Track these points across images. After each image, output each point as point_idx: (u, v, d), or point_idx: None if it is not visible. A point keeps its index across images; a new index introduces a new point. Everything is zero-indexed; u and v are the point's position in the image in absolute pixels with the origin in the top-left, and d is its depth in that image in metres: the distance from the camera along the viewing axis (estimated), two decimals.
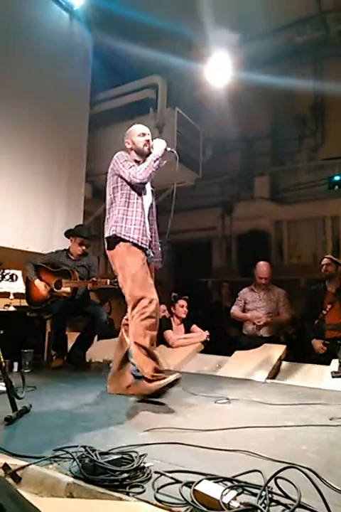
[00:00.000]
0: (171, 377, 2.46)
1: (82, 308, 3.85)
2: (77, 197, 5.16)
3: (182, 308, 4.45)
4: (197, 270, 6.64)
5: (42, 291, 3.79)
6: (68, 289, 3.75)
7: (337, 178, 5.83)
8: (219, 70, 5.42)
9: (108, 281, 3.58)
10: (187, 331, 4.45)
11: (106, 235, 2.76)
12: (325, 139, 6.16)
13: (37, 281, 3.81)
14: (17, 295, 3.93)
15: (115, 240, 2.70)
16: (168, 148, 2.94)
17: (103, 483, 1.30)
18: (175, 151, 3.00)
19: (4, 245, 4.08)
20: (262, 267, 4.52)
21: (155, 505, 1.21)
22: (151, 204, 2.97)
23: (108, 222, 2.79)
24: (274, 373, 3.54)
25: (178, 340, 4.30)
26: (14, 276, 2.74)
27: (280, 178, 6.50)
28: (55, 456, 1.51)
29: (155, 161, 2.80)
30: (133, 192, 2.79)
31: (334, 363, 3.42)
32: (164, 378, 2.48)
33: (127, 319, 2.78)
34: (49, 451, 1.54)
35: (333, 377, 3.18)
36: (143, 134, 2.94)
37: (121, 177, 2.78)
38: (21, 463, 1.44)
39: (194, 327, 4.46)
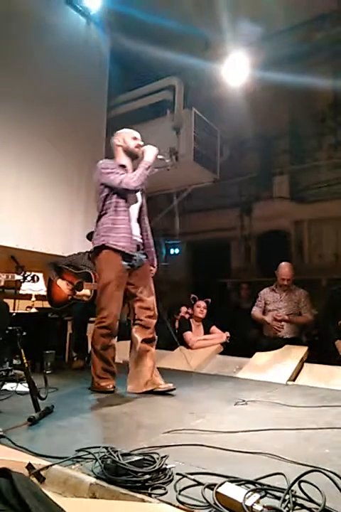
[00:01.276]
0: (109, 387, 2.76)
1: None
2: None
3: (198, 308, 4.45)
4: (216, 271, 6.62)
5: (64, 290, 3.84)
6: (88, 292, 3.79)
7: None
8: (236, 69, 5.40)
9: None
10: (207, 331, 4.44)
11: (95, 244, 2.85)
12: None
13: (59, 281, 3.87)
14: (39, 297, 4.00)
15: (101, 248, 2.81)
16: (160, 156, 2.97)
17: (125, 484, 1.30)
18: (166, 159, 3.07)
19: (26, 248, 4.16)
20: (284, 268, 4.46)
21: (178, 507, 1.21)
22: (141, 204, 3.01)
23: (98, 231, 2.87)
24: (296, 375, 3.49)
25: (198, 341, 4.29)
26: (36, 278, 2.80)
27: (299, 176, 6.41)
28: (78, 456, 1.52)
29: (147, 169, 2.84)
30: (120, 200, 2.84)
31: None
32: (106, 380, 2.78)
33: (137, 318, 2.88)
34: (71, 452, 1.56)
35: None
36: (135, 138, 3.00)
37: (108, 186, 2.83)
38: (45, 463, 1.46)
39: (213, 328, 4.44)
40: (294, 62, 5.64)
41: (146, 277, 2.96)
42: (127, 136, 2.99)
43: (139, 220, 2.99)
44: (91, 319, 3.90)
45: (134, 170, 2.92)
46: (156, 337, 2.93)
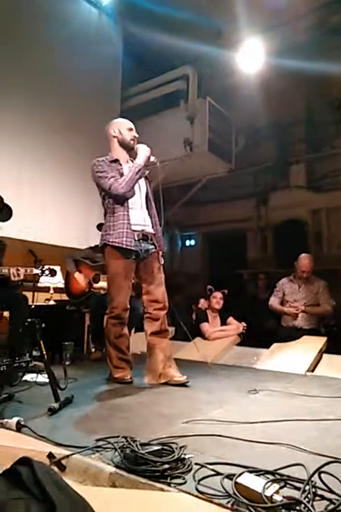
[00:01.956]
0: (126, 378, 2.79)
1: None
2: None
3: (215, 299, 4.44)
4: (232, 262, 6.58)
5: (81, 283, 3.88)
6: (105, 285, 3.82)
7: None
8: (250, 56, 5.32)
9: None
10: (224, 322, 4.43)
11: (100, 245, 2.91)
12: None
13: (76, 274, 3.91)
14: (57, 289, 4.04)
15: (104, 246, 2.87)
16: (152, 158, 2.92)
17: (145, 473, 1.31)
18: (157, 163, 2.96)
19: (43, 241, 4.22)
20: (304, 260, 4.39)
21: (197, 496, 1.21)
22: (146, 192, 2.97)
23: (102, 230, 2.93)
24: (314, 366, 3.46)
25: (214, 332, 4.28)
26: (53, 272, 2.83)
27: (317, 165, 6.31)
28: (97, 446, 1.54)
29: (137, 172, 2.79)
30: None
31: None
32: (124, 369, 2.83)
33: (147, 311, 2.91)
34: (91, 441, 1.58)
35: None
36: (131, 129, 2.95)
37: (102, 188, 2.83)
38: (65, 452, 1.48)
39: (230, 319, 4.42)
40: (309, 47, 5.50)
41: (154, 268, 2.92)
42: (122, 127, 2.94)
43: (147, 207, 2.95)
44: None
45: (132, 160, 2.91)
46: (168, 328, 2.92)
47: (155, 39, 5.25)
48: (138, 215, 2.88)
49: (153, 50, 5.72)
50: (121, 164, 2.88)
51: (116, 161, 2.88)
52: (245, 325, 4.33)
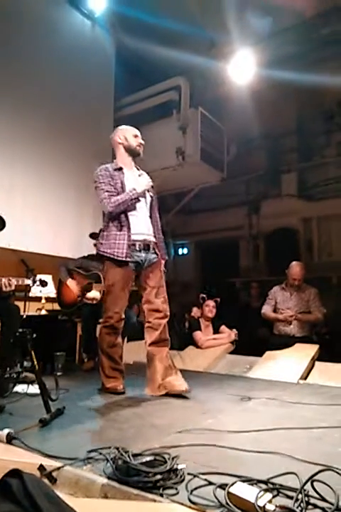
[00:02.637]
0: (118, 388, 2.76)
1: None
2: None
3: (207, 307, 4.44)
4: (224, 270, 6.60)
5: (74, 290, 3.85)
6: (98, 295, 3.80)
7: None
8: (242, 67, 5.38)
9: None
10: (216, 331, 4.43)
11: (98, 252, 2.92)
12: None
13: (69, 281, 3.89)
14: (48, 299, 4.02)
15: (101, 255, 2.88)
16: (150, 193, 2.94)
17: (137, 484, 1.30)
18: (151, 194, 2.96)
19: (35, 251, 4.19)
20: (296, 268, 4.42)
21: (189, 507, 1.21)
22: (151, 202, 2.96)
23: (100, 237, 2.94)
24: (307, 374, 3.47)
25: (207, 341, 4.28)
26: (44, 283, 2.82)
27: (308, 174, 6.38)
28: (89, 457, 1.53)
29: (132, 199, 2.79)
30: None
31: None
32: (116, 380, 2.79)
33: (148, 320, 2.87)
34: (83, 453, 1.56)
35: None
36: (136, 136, 2.96)
37: None
38: (56, 464, 1.46)
39: (223, 328, 4.43)
40: (301, 59, 5.60)
41: (155, 277, 2.89)
42: (128, 134, 2.95)
43: (151, 217, 2.94)
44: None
45: (137, 168, 2.95)
46: (168, 337, 2.88)
47: (148, 50, 5.30)
48: (142, 224, 2.87)
49: (146, 61, 5.77)
50: (123, 173, 2.88)
51: (120, 169, 2.89)
52: (236, 332, 4.33)
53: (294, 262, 4.48)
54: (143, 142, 2.96)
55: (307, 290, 4.39)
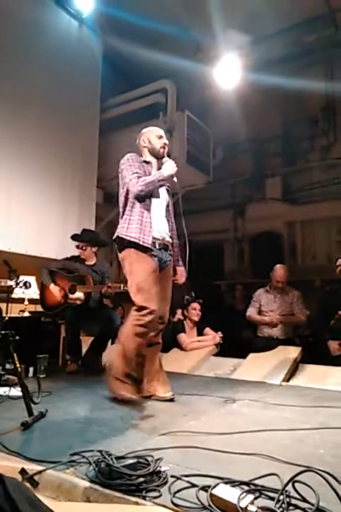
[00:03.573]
0: (132, 398, 2.51)
1: (95, 313, 3.87)
2: (89, 202, 5.22)
3: (194, 310, 4.44)
4: (209, 273, 6.62)
5: (56, 295, 3.82)
6: (81, 296, 3.78)
7: None
8: (228, 71, 5.42)
9: (122, 285, 3.60)
10: (200, 333, 4.44)
11: (114, 236, 2.76)
12: (338, 138, 6.09)
13: (52, 286, 3.84)
14: (31, 301, 3.97)
15: (123, 243, 2.68)
16: (175, 179, 2.83)
17: (119, 487, 1.30)
18: (177, 182, 2.85)
19: (19, 251, 4.14)
20: (279, 271, 4.48)
21: (172, 509, 1.21)
22: (167, 203, 2.92)
23: (120, 226, 2.75)
24: (290, 376, 3.51)
25: (192, 343, 4.29)
26: (28, 284, 2.79)
27: (292, 178, 6.45)
28: (72, 460, 1.52)
29: (159, 181, 2.72)
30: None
31: None
32: (127, 384, 2.53)
33: None
34: (65, 456, 1.55)
35: None
36: (161, 137, 2.91)
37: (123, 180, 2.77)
38: (38, 468, 1.45)
39: (207, 330, 4.44)
40: (286, 64, 5.68)
41: (166, 281, 2.79)
42: (152, 136, 2.90)
43: (167, 219, 2.88)
44: (85, 323, 3.90)
45: (159, 168, 2.83)
46: (160, 341, 2.83)
47: (135, 52, 5.31)
48: (160, 223, 2.79)
49: (132, 63, 5.77)
50: (151, 166, 2.84)
51: (148, 162, 2.85)
52: (221, 335, 4.36)
53: (278, 265, 4.53)
54: (167, 142, 2.91)
55: (290, 293, 4.46)
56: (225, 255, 6.95)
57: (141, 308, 2.55)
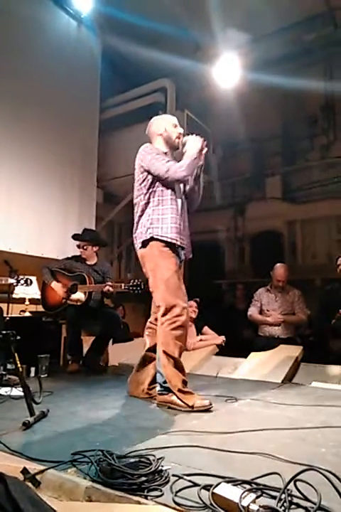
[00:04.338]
0: (205, 403, 2.34)
1: (96, 313, 3.87)
2: (89, 202, 5.22)
3: (190, 308, 4.44)
4: (210, 272, 6.62)
5: (59, 292, 3.80)
6: (82, 297, 3.77)
7: None
8: (227, 70, 5.42)
9: (123, 285, 3.61)
10: (199, 332, 4.44)
11: (142, 238, 2.55)
12: (337, 137, 6.09)
13: (54, 283, 3.83)
14: (32, 301, 3.97)
15: (149, 242, 2.54)
16: (204, 150, 2.65)
17: (121, 486, 1.29)
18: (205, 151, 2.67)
19: (19, 252, 4.14)
20: (280, 269, 4.48)
21: (174, 508, 1.21)
22: (182, 203, 2.74)
23: (142, 224, 2.58)
24: (291, 375, 3.50)
25: (195, 343, 4.28)
26: (29, 281, 2.79)
27: (292, 177, 6.45)
28: (74, 460, 1.51)
29: (194, 160, 2.54)
30: (166, 189, 2.58)
31: None
32: (192, 394, 2.40)
33: (151, 322, 2.70)
34: (67, 456, 1.55)
35: None
36: (176, 126, 2.73)
37: (152, 173, 2.55)
38: (40, 467, 1.45)
39: (205, 329, 4.44)
40: (285, 63, 5.68)
41: (182, 284, 2.66)
42: (168, 124, 2.71)
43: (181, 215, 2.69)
44: (86, 322, 3.89)
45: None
46: None
47: (134, 51, 5.30)
48: (181, 221, 2.62)
49: (132, 62, 5.77)
50: (168, 158, 2.64)
51: (165, 154, 2.65)
52: (224, 338, 4.33)
53: (278, 264, 4.53)
54: (182, 131, 2.73)
55: (291, 292, 4.45)
56: (226, 254, 6.95)
57: (171, 308, 2.42)
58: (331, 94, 5.99)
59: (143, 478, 1.33)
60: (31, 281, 2.81)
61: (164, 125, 2.72)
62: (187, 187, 2.76)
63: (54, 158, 4.72)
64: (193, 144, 2.60)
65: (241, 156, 6.68)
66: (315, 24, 5.40)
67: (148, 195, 2.58)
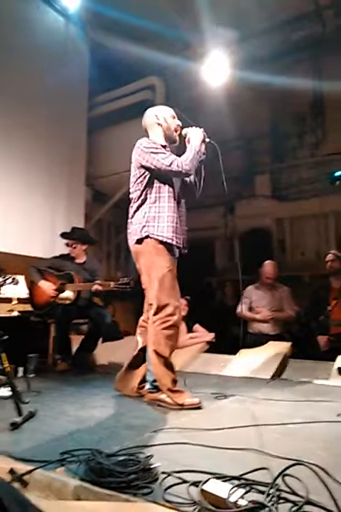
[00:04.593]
0: (194, 401, 2.34)
1: (85, 311, 3.85)
2: (78, 201, 5.19)
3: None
4: (200, 270, 6.63)
5: (47, 291, 3.77)
6: (71, 295, 3.75)
7: (338, 173, 5.82)
8: (216, 68, 5.43)
9: (112, 283, 3.59)
10: (190, 330, 4.44)
11: (137, 236, 2.48)
12: (325, 135, 6.14)
13: (41, 282, 3.80)
14: (20, 300, 3.93)
15: (144, 240, 2.48)
16: (207, 139, 2.57)
17: (110, 485, 1.29)
18: (214, 142, 2.60)
19: (6, 251, 4.10)
20: (269, 266, 4.51)
21: (163, 505, 1.20)
22: (180, 196, 2.69)
23: (137, 220, 2.51)
24: (280, 371, 3.53)
25: (185, 340, 4.28)
26: (16, 281, 2.75)
27: (281, 175, 6.49)
28: (62, 459, 1.50)
29: (197, 153, 2.48)
30: (163, 185, 2.50)
31: (340, 359, 3.40)
32: (182, 392, 2.40)
33: (144, 320, 2.65)
34: (56, 455, 1.53)
35: (339, 373, 3.16)
36: (174, 117, 2.65)
37: (150, 168, 2.46)
38: (28, 467, 1.43)
39: (196, 327, 4.45)
40: (274, 62, 5.71)
41: (176, 283, 2.61)
42: (168, 115, 2.62)
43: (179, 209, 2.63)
44: (75, 321, 3.87)
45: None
46: None
47: (123, 49, 5.28)
48: (178, 215, 2.55)
49: (120, 60, 5.73)
50: (168, 151, 2.54)
51: (164, 147, 2.54)
52: (214, 335, 4.35)
53: (267, 261, 4.56)
54: (180, 124, 2.64)
55: (280, 289, 4.49)
56: (216, 252, 6.97)
57: (164, 307, 2.39)
58: (319, 92, 6.03)
59: (133, 476, 1.32)
60: (18, 281, 2.77)
61: (163, 115, 2.64)
62: (187, 179, 2.68)
63: (42, 156, 4.68)
64: (195, 136, 2.54)
65: (230, 153, 6.69)
66: (303, 23, 5.43)
67: (145, 191, 2.51)
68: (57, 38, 5.07)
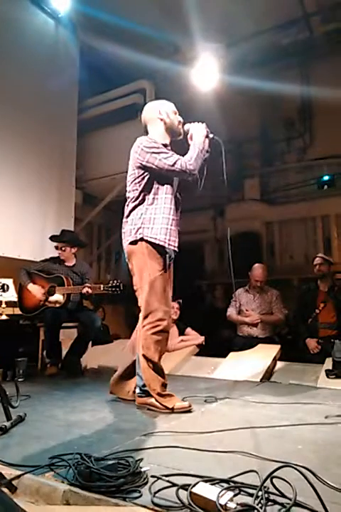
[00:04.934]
0: (184, 405, 2.34)
1: (75, 315, 3.83)
2: (68, 203, 5.17)
3: (172, 309, 4.44)
4: (190, 273, 6.64)
5: (36, 294, 3.74)
6: (61, 299, 3.73)
7: (326, 178, 5.90)
8: (206, 73, 5.46)
9: (101, 286, 3.58)
10: (181, 333, 4.45)
11: (132, 237, 2.44)
12: (313, 140, 6.23)
13: (30, 286, 3.78)
14: (9, 303, 3.90)
15: (138, 242, 2.43)
16: (210, 135, 2.49)
17: (99, 489, 1.29)
18: (217, 137, 2.52)
19: None
20: (258, 270, 4.54)
21: (152, 509, 1.21)
22: (177, 197, 2.64)
23: (133, 221, 2.46)
24: (269, 373, 3.55)
25: (176, 344, 4.28)
26: (5, 287, 2.74)
27: (269, 179, 6.55)
28: (51, 464, 1.49)
29: (201, 151, 2.42)
30: (162, 186, 2.45)
31: (329, 361, 3.43)
32: (171, 396, 2.39)
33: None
34: (45, 460, 1.52)
35: (328, 375, 3.19)
36: (176, 113, 2.57)
37: (149, 168, 2.40)
38: (16, 472, 1.42)
39: (188, 330, 4.45)
40: (262, 67, 5.77)
41: (170, 283, 2.59)
42: (170, 109, 2.53)
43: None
44: (65, 325, 3.85)
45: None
46: None
47: (113, 52, 5.28)
48: (174, 217, 2.50)
49: (110, 63, 5.74)
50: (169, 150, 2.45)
51: (166, 146, 2.47)
52: (203, 338, 4.36)
53: (256, 264, 4.59)
54: (182, 120, 2.54)
55: (269, 292, 4.52)
56: (206, 255, 6.99)
57: (153, 311, 2.35)
58: (307, 97, 6.12)
59: (122, 480, 1.32)
60: (8, 287, 2.75)
61: (165, 110, 2.54)
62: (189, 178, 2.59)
63: (32, 159, 4.66)
64: (198, 132, 2.45)
65: (220, 157, 6.73)
66: (292, 29, 5.50)
67: (142, 192, 2.46)
68: (47, 41, 5.05)
